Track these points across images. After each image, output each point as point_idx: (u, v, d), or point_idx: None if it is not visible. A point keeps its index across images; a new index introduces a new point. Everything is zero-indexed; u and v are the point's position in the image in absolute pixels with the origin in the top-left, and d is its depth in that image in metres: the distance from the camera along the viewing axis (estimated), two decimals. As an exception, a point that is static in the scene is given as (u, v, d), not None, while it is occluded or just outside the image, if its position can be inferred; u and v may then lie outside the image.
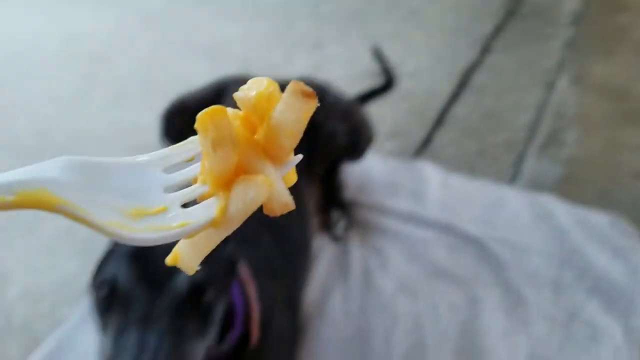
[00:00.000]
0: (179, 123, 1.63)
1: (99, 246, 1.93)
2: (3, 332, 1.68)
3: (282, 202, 0.31)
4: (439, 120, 2.33)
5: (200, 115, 0.29)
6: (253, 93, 0.30)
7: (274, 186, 0.31)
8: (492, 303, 1.60)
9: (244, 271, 1.02)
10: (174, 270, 0.77)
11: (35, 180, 0.23)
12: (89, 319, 1.66)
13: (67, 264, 1.89)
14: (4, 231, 2.03)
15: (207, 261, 0.82)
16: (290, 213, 0.32)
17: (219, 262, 0.90)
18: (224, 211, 0.29)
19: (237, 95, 0.31)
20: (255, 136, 0.31)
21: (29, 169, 0.24)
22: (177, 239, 0.30)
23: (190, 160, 0.32)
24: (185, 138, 0.34)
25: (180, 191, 0.31)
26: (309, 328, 1.53)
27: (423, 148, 2.20)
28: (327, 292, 1.65)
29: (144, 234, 0.28)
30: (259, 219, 1.12)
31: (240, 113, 0.31)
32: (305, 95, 0.30)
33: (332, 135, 1.67)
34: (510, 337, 1.52)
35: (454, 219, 1.83)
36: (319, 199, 1.88)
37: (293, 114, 0.30)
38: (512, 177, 2.05)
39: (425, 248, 1.75)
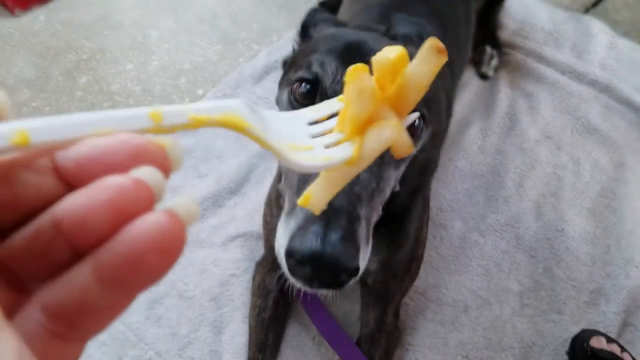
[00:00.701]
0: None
1: (239, 38, 1.96)
2: (143, 96, 1.73)
3: (407, 144, 0.37)
4: (616, -19, 2.10)
5: (349, 70, 0.35)
6: (392, 55, 0.35)
7: (402, 129, 0.36)
8: (639, 172, 1.50)
9: None
10: None
11: (233, 108, 0.30)
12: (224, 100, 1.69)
13: (207, 49, 1.90)
14: (151, 7, 2.05)
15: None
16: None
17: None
18: (360, 150, 0.34)
19: (376, 58, 0.35)
20: (384, 93, 0.35)
21: (225, 102, 0.31)
22: (321, 170, 0.35)
23: (324, 120, 0.37)
24: None
25: (324, 136, 0.36)
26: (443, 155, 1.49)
27: (594, 7, 1.99)
28: (465, 126, 1.59)
29: (300, 161, 0.33)
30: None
31: (374, 75, 0.36)
32: (439, 51, 0.35)
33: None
34: (654, 208, 1.42)
35: (616, 82, 1.68)
36: (475, 34, 1.76)
37: (426, 67, 0.35)
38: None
39: (579, 102, 1.64)
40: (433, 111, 1.04)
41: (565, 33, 1.84)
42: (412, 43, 0.79)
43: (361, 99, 0.35)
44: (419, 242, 1.11)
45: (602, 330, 1.23)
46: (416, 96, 0.36)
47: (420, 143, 0.77)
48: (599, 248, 1.35)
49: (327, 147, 0.35)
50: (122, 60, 1.85)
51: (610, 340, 1.17)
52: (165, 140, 0.28)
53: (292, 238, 0.60)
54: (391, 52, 0.35)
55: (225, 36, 1.95)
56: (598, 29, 1.85)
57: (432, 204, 1.35)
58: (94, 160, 0.25)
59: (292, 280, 0.64)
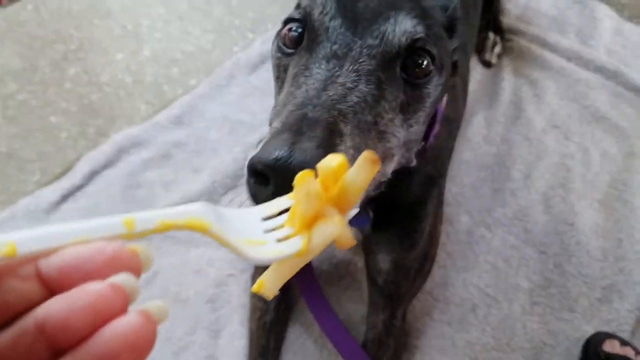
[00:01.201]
0: None
1: (233, 26, 1.90)
2: (134, 87, 1.67)
3: (349, 238, 0.40)
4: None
5: (298, 176, 0.39)
6: (334, 164, 0.39)
7: (345, 225, 0.40)
8: (650, 161, 1.44)
9: None
10: (387, 15, 0.64)
11: (198, 212, 0.36)
12: (218, 91, 1.63)
13: (200, 38, 1.82)
14: (141, -6, 1.97)
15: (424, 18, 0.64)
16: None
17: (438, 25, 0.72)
18: (308, 244, 0.39)
19: (320, 165, 0.40)
20: (328, 194, 0.40)
21: (190, 207, 0.36)
22: (273, 262, 0.40)
23: (277, 215, 0.42)
24: None
25: (275, 232, 0.40)
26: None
27: (599, -10, 1.93)
28: (469, 116, 1.53)
29: (257, 255, 0.38)
30: None
31: (319, 178, 0.40)
32: (373, 162, 0.39)
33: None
34: (667, 198, 1.37)
35: (623, 68, 1.62)
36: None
37: (362, 174, 0.39)
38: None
39: (587, 90, 1.58)
40: (450, 97, 0.98)
41: (570, 18, 1.78)
42: (431, 16, 0.71)
43: (308, 199, 0.39)
44: (434, 241, 1.06)
45: (615, 328, 1.18)
46: (355, 197, 0.41)
47: (433, 84, 0.68)
48: (611, 242, 1.30)
49: (278, 240, 0.40)
50: (112, 50, 1.78)
51: (624, 342, 1.12)
52: (136, 246, 0.32)
53: (257, 152, 0.51)
54: (333, 161, 0.40)
55: (219, 24, 1.88)
56: (603, 13, 1.79)
57: (437, 198, 1.29)
58: (74, 268, 0.29)
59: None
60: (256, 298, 1.15)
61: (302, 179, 0.40)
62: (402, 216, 0.97)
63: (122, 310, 0.29)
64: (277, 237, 0.40)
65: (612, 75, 1.60)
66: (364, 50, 0.62)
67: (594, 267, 1.26)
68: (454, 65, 0.80)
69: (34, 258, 0.29)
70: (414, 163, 0.76)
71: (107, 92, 1.65)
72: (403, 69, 0.65)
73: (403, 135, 0.66)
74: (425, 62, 0.65)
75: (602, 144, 1.47)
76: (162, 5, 1.93)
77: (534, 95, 1.57)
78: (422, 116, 0.69)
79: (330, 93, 0.57)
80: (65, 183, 1.40)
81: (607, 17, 1.78)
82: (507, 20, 1.76)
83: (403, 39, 0.63)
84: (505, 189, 1.39)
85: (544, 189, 1.39)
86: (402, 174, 0.88)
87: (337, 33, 0.63)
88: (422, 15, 0.66)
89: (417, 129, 0.70)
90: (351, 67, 0.60)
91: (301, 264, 0.41)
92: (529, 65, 1.65)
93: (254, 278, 1.18)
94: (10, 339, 0.28)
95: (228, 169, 1.42)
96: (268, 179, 0.50)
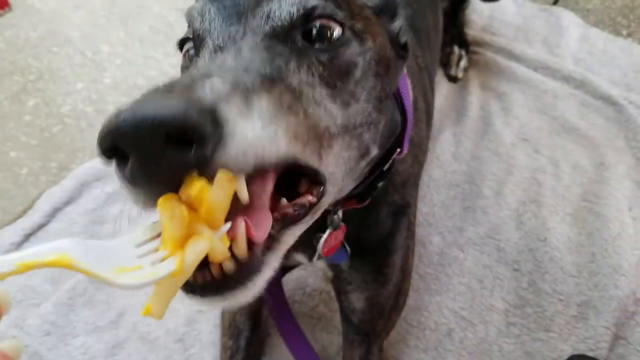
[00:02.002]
0: None
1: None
2: (96, 117, 1.63)
3: (221, 251, 0.43)
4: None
5: (160, 200, 0.41)
6: (194, 192, 0.40)
7: (215, 240, 0.42)
8: (621, 171, 1.43)
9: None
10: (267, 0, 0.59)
11: (63, 248, 0.37)
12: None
13: (163, 61, 1.79)
14: (100, 20, 1.93)
15: None
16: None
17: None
18: (181, 262, 0.40)
19: (181, 194, 0.40)
20: (197, 214, 0.41)
21: (55, 244, 0.38)
22: (149, 285, 0.40)
23: (152, 240, 0.44)
24: None
25: (149, 255, 0.42)
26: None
27: (563, -4, 1.93)
28: (437, 132, 1.52)
29: (127, 281, 0.39)
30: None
31: (183, 202, 0.41)
32: (229, 180, 0.41)
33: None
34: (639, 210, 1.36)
35: (590, 76, 1.62)
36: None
37: (223, 191, 0.41)
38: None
39: (555, 101, 1.57)
40: (415, 118, 0.95)
41: (535, 27, 1.77)
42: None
43: (173, 222, 0.41)
44: (406, 274, 1.03)
45: (592, 346, 1.17)
46: (221, 213, 0.43)
47: (351, 51, 0.61)
48: (584, 257, 1.29)
49: (153, 264, 0.41)
50: (72, 79, 1.74)
51: None
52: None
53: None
54: (194, 189, 0.40)
55: (181, 47, 1.84)
56: (569, 20, 1.79)
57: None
58: None
59: (129, 191, 0.44)
60: (226, 337, 1.12)
61: (164, 203, 0.41)
62: (373, 251, 0.95)
63: None
64: (152, 260, 0.41)
65: (579, 85, 1.60)
66: (248, 33, 0.57)
67: (569, 284, 1.25)
68: (404, 47, 0.75)
69: None
70: (375, 153, 0.69)
71: (69, 123, 1.61)
72: (308, 40, 0.59)
73: (337, 113, 0.58)
74: (332, 29, 0.60)
75: (572, 156, 1.46)
76: (122, 30, 1.89)
77: (502, 108, 1.56)
78: (355, 91, 0.61)
79: (202, 69, 0.51)
80: (27, 222, 1.36)
81: (573, 24, 1.78)
82: (472, 32, 1.75)
83: (294, 10, 0.58)
84: (476, 207, 1.37)
85: (515, 205, 1.38)
86: (369, 206, 0.86)
87: (219, 29, 0.58)
88: None
89: (357, 108, 0.61)
90: (234, 48, 0.55)
91: (180, 283, 0.42)
92: (496, 78, 1.63)
93: (223, 315, 1.15)
94: None
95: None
96: (124, 155, 0.41)
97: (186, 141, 0.39)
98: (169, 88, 0.42)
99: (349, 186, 0.71)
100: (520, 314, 1.21)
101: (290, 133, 0.48)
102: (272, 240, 0.50)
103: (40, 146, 1.55)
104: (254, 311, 1.14)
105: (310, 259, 0.92)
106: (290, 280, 1.25)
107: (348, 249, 0.90)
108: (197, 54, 0.61)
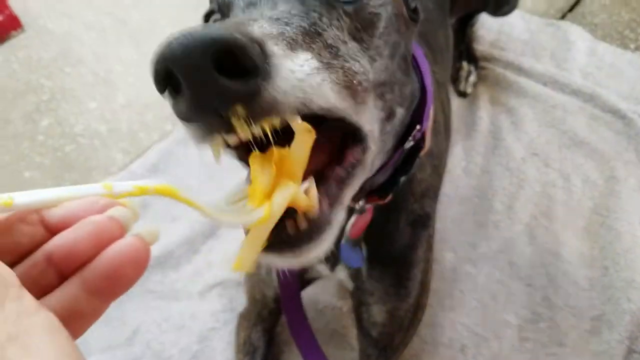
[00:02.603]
0: None
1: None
2: (109, 136, 1.64)
3: (304, 199, 0.47)
4: (591, -17, 2.05)
5: (251, 156, 0.47)
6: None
7: (298, 189, 0.46)
8: (631, 184, 1.43)
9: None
10: None
11: (168, 183, 0.40)
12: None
13: (174, 81, 1.81)
14: (112, 40, 1.96)
15: None
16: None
17: None
18: (270, 209, 0.43)
19: (272, 150, 0.46)
20: (282, 170, 0.47)
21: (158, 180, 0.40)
22: (239, 224, 0.44)
23: (240, 201, 0.47)
24: None
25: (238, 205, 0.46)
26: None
27: (570, 11, 1.94)
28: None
29: (227, 218, 0.43)
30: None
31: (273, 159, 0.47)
32: (308, 130, 0.46)
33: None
34: (651, 223, 1.36)
35: (599, 90, 1.62)
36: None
37: (302, 145, 0.46)
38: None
39: (564, 115, 1.58)
40: (435, 130, 0.96)
41: (543, 41, 1.78)
42: None
43: (264, 174, 0.46)
44: (425, 288, 1.04)
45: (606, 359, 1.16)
46: (300, 168, 0.47)
47: (376, 2, 0.63)
48: (597, 270, 1.29)
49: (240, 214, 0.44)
50: (84, 98, 1.76)
51: None
52: (124, 202, 0.39)
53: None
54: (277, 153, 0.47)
55: (192, 66, 1.87)
56: (576, 35, 1.80)
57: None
58: (74, 215, 0.37)
59: (186, 127, 0.47)
60: (242, 354, 1.12)
61: (255, 157, 0.47)
62: (394, 262, 0.96)
63: (120, 235, 0.36)
64: (240, 208, 0.45)
65: (588, 98, 1.60)
66: None
67: (582, 298, 1.25)
68: (415, 10, 0.76)
69: (36, 211, 0.37)
70: (400, 115, 0.70)
71: (82, 143, 1.63)
72: None
73: (367, 68, 0.59)
74: None
75: (582, 169, 1.47)
76: (134, 49, 1.91)
77: (512, 123, 1.56)
78: (380, 46, 0.63)
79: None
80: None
81: (581, 38, 1.79)
82: (480, 48, 1.76)
83: None
84: (488, 221, 1.37)
85: (527, 219, 1.38)
86: (389, 212, 0.87)
87: None
88: None
89: (383, 64, 0.63)
90: (270, 3, 0.55)
91: (268, 230, 0.44)
92: (505, 93, 1.64)
93: (238, 333, 1.16)
94: (23, 271, 0.36)
95: (206, 216, 1.40)
96: (177, 88, 0.42)
97: (236, 73, 0.39)
98: (219, 25, 0.43)
99: (377, 161, 0.71)
100: (534, 329, 1.21)
101: (333, 86, 0.50)
102: (334, 199, 0.52)
103: (54, 166, 1.57)
104: (269, 328, 1.15)
105: (333, 268, 0.95)
106: (302, 297, 1.26)
107: (364, 251, 0.92)
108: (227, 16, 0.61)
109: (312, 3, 0.56)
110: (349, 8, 0.59)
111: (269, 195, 0.45)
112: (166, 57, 0.39)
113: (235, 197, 0.47)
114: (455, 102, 1.63)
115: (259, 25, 0.45)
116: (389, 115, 0.66)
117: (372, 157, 0.63)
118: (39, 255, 0.36)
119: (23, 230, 0.37)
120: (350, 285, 1.01)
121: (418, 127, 0.76)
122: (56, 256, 0.35)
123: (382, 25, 0.63)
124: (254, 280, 1.10)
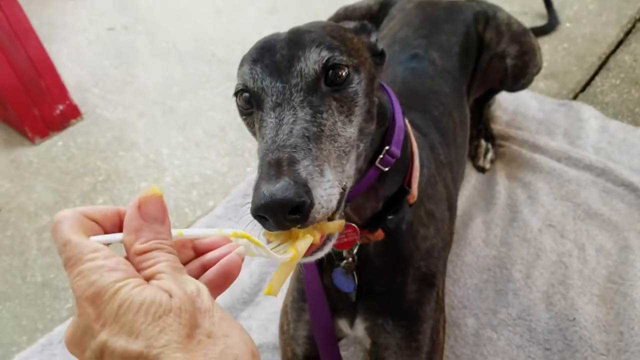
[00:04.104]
0: None
1: (245, 149, 2.06)
2: (158, 213, 1.80)
3: (316, 240, 0.70)
4: (602, 65, 2.19)
5: (266, 232, 0.68)
6: (317, 218, 0.68)
7: (315, 237, 0.69)
8: (644, 253, 1.52)
9: (407, 123, 1.02)
10: (298, 56, 0.80)
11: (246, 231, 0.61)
12: (234, 210, 1.76)
13: (216, 161, 1.99)
14: (161, 126, 2.16)
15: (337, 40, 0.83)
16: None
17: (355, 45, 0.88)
18: (296, 252, 0.63)
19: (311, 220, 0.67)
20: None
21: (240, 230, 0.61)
22: (281, 261, 0.62)
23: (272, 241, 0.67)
24: None
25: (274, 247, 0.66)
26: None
27: (582, 92, 2.08)
28: (468, 219, 1.64)
29: (278, 255, 0.62)
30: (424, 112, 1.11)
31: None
32: (340, 224, 0.76)
33: (502, 57, 1.61)
34: (663, 289, 1.43)
35: (611, 165, 1.73)
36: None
37: (336, 226, 0.74)
38: (679, 131, 1.89)
39: (578, 188, 1.68)
40: (428, 193, 1.10)
41: (557, 120, 1.91)
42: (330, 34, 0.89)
43: (283, 234, 0.67)
44: (437, 348, 1.11)
45: (624, 422, 1.22)
46: (317, 237, 0.70)
47: (356, 81, 0.83)
48: (613, 335, 1.36)
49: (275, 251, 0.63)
50: (136, 179, 1.94)
51: None
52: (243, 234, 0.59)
53: (250, 205, 0.67)
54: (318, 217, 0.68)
55: (233, 148, 2.04)
56: (588, 113, 1.92)
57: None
58: (213, 244, 0.62)
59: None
60: None
61: (275, 233, 0.67)
62: (404, 316, 1.06)
63: (240, 261, 0.60)
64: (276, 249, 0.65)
65: (601, 173, 1.71)
66: (293, 89, 0.78)
67: (599, 362, 1.32)
68: (381, 54, 0.97)
69: (191, 240, 0.61)
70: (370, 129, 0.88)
71: (133, 219, 1.79)
72: (328, 83, 0.80)
73: (350, 130, 0.81)
74: (341, 71, 0.81)
75: (597, 240, 1.56)
76: (181, 134, 2.11)
77: (528, 197, 1.68)
78: (358, 111, 0.83)
79: (280, 136, 0.73)
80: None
81: (593, 116, 1.91)
82: (497, 127, 1.89)
83: (316, 67, 0.79)
84: (508, 289, 1.46)
85: (544, 287, 1.47)
86: (396, 269, 1.04)
87: (271, 87, 0.79)
88: (322, 40, 0.82)
89: (359, 121, 0.83)
90: (290, 107, 0.77)
91: (293, 266, 0.64)
92: (522, 169, 1.76)
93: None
94: (190, 270, 0.58)
95: (245, 284, 1.53)
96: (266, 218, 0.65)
97: (296, 210, 0.64)
98: (279, 169, 0.67)
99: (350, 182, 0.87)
100: (553, 392, 1.28)
101: (337, 172, 0.74)
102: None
103: (108, 240, 1.73)
104: None
105: (352, 323, 1.09)
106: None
107: (355, 279, 1.05)
108: (259, 107, 0.82)
109: (315, 101, 0.78)
110: (336, 94, 0.81)
111: (292, 238, 0.66)
112: (260, 209, 0.64)
113: (274, 237, 0.67)
114: (474, 178, 1.75)
115: (304, 165, 0.69)
116: (360, 154, 0.86)
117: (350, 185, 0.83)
118: (195, 263, 0.60)
119: (186, 252, 0.61)
120: (367, 342, 1.10)
121: (387, 147, 0.93)
122: (206, 261, 0.60)
123: (359, 97, 0.84)
124: (285, 339, 1.20)
